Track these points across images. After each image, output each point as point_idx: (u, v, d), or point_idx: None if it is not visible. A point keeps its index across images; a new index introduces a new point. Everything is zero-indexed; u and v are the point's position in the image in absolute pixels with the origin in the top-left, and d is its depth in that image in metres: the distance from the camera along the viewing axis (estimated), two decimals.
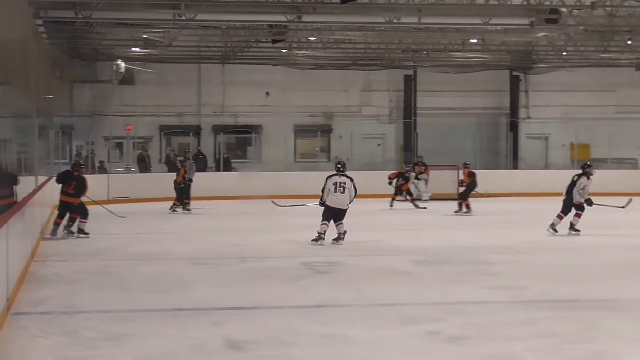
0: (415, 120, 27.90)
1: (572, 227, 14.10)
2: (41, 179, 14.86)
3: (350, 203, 12.80)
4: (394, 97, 28.25)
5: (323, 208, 12.72)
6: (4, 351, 6.24)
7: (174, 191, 19.29)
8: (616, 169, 26.00)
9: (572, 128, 27.09)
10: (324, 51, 24.95)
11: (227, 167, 25.03)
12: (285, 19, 18.04)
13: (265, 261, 11.17)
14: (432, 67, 27.30)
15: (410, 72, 27.97)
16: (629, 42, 22.84)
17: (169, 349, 6.30)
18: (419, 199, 21.41)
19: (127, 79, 26.23)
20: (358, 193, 12.95)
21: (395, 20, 18.04)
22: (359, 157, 26.08)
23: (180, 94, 26.75)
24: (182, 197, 18.94)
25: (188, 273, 10.01)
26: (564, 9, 18.41)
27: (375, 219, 17.27)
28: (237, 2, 18.14)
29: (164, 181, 21.07)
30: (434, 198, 21.81)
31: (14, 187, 9.92)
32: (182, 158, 20.11)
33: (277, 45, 22.37)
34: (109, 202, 18.89)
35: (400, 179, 20.72)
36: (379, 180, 20.98)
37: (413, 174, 21.83)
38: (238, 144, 28.12)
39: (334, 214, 12.65)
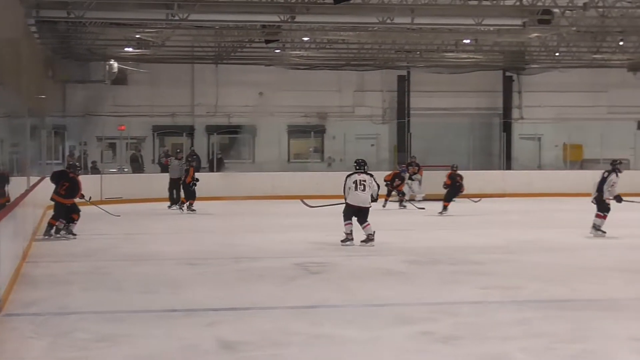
0: (408, 121, 27.93)
1: (596, 227, 13.81)
2: (33, 179, 14.82)
3: (374, 201, 12.61)
4: (388, 98, 28.26)
5: (344, 207, 12.60)
6: None
7: (167, 192, 19.63)
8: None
9: (564, 129, 27.13)
10: (317, 51, 24.94)
11: (221, 168, 25.01)
12: (278, 19, 18.04)
13: (258, 261, 11.15)
14: (426, 67, 27.31)
15: (403, 72, 28.00)
16: (621, 43, 22.95)
17: (162, 349, 6.29)
18: (414, 200, 21.49)
19: (120, 79, 26.16)
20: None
21: (388, 21, 18.06)
22: (352, 157, 25.74)
23: (174, 94, 26.70)
24: (190, 197, 19.01)
25: (181, 274, 9.98)
26: (556, 10, 18.47)
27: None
28: (231, 2, 18.13)
29: (157, 182, 21.09)
30: (428, 198, 21.82)
31: (6, 186, 9.90)
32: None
33: (270, 45, 22.38)
34: (102, 202, 18.85)
35: (397, 179, 20.79)
36: None
37: (407, 174, 21.94)
38: (231, 144, 28.10)
39: (355, 213, 12.49)
